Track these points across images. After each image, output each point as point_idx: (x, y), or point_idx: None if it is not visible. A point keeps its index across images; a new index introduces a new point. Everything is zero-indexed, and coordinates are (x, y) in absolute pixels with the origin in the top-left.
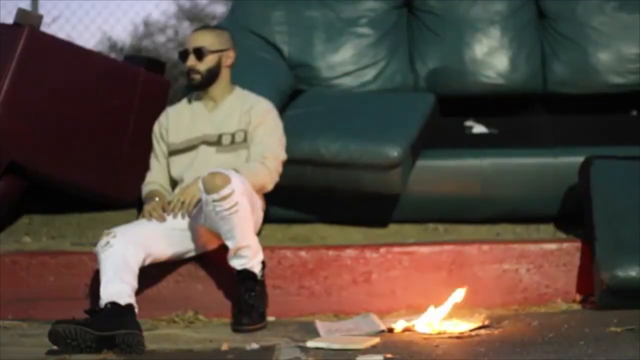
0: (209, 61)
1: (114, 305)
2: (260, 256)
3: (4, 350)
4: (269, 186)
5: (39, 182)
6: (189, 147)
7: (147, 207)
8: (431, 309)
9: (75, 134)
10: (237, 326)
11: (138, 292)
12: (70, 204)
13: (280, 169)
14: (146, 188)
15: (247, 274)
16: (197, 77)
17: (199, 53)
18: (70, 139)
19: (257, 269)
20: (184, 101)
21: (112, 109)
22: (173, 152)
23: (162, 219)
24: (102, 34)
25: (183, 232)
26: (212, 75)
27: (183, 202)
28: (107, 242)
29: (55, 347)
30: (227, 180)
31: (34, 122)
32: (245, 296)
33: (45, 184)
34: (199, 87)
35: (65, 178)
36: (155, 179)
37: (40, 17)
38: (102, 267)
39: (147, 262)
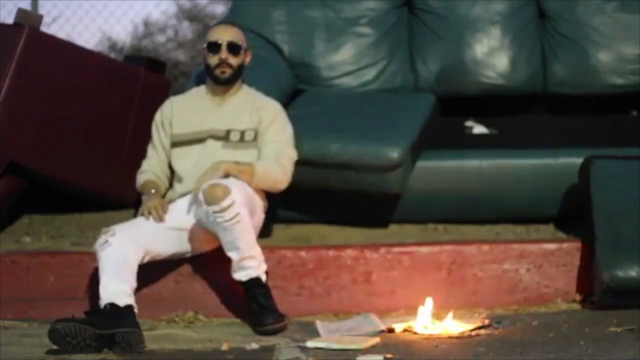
0: (241, 58)
1: (113, 306)
2: (264, 266)
3: (4, 350)
4: (283, 185)
5: (39, 182)
6: (195, 140)
7: (148, 204)
8: (421, 310)
9: (75, 134)
10: (262, 327)
11: (138, 292)
12: (70, 204)
13: (292, 169)
14: (142, 176)
15: (254, 281)
16: (229, 70)
17: (235, 48)
18: (70, 139)
19: (263, 277)
20: (190, 93)
21: (112, 109)
22: (177, 144)
23: (161, 220)
24: (102, 34)
25: (182, 232)
26: (240, 72)
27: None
28: (106, 241)
29: (55, 347)
30: (227, 192)
31: (34, 122)
32: (260, 298)
33: (45, 184)
34: (227, 81)
35: (65, 178)
36: (150, 167)
37: (40, 17)
38: (102, 266)
39: (146, 259)
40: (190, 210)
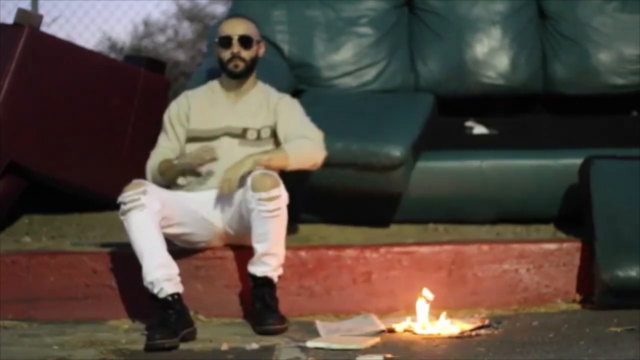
0: (253, 50)
1: (179, 297)
2: (280, 271)
3: (4, 350)
4: (320, 158)
5: (39, 182)
6: (210, 137)
7: (189, 154)
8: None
9: (75, 134)
10: (264, 326)
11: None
12: (70, 204)
13: (323, 142)
14: (155, 159)
15: (266, 280)
16: (242, 64)
17: (246, 41)
18: (70, 139)
19: (275, 280)
20: (205, 88)
21: (112, 108)
22: (191, 139)
23: (214, 157)
24: (102, 34)
25: (201, 219)
26: (253, 65)
27: (229, 180)
28: (138, 199)
29: (55, 347)
30: (277, 183)
31: (34, 122)
32: (267, 298)
33: (45, 184)
34: (241, 75)
35: (65, 178)
36: (162, 153)
37: (40, 17)
38: (136, 235)
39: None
40: (215, 201)
